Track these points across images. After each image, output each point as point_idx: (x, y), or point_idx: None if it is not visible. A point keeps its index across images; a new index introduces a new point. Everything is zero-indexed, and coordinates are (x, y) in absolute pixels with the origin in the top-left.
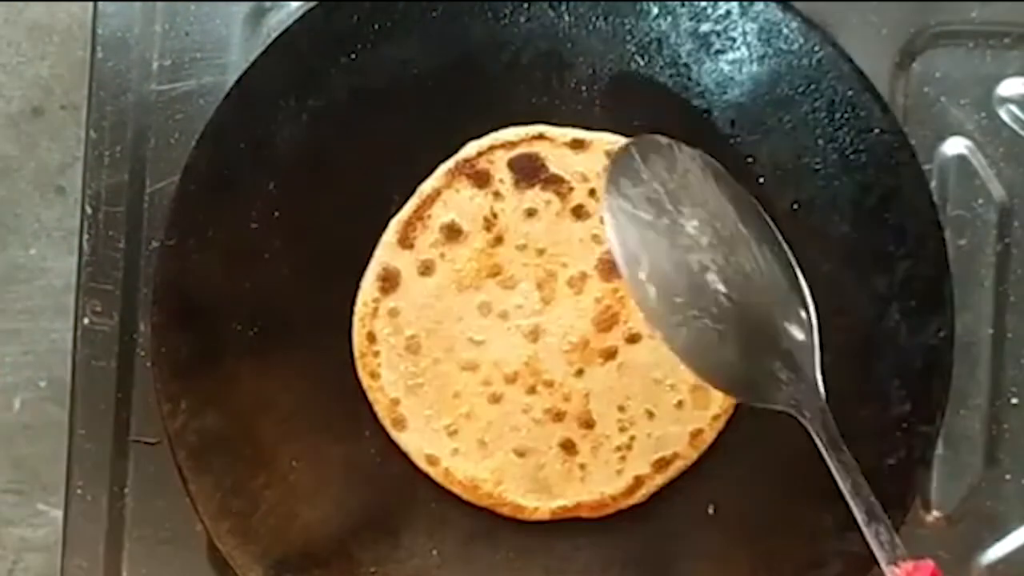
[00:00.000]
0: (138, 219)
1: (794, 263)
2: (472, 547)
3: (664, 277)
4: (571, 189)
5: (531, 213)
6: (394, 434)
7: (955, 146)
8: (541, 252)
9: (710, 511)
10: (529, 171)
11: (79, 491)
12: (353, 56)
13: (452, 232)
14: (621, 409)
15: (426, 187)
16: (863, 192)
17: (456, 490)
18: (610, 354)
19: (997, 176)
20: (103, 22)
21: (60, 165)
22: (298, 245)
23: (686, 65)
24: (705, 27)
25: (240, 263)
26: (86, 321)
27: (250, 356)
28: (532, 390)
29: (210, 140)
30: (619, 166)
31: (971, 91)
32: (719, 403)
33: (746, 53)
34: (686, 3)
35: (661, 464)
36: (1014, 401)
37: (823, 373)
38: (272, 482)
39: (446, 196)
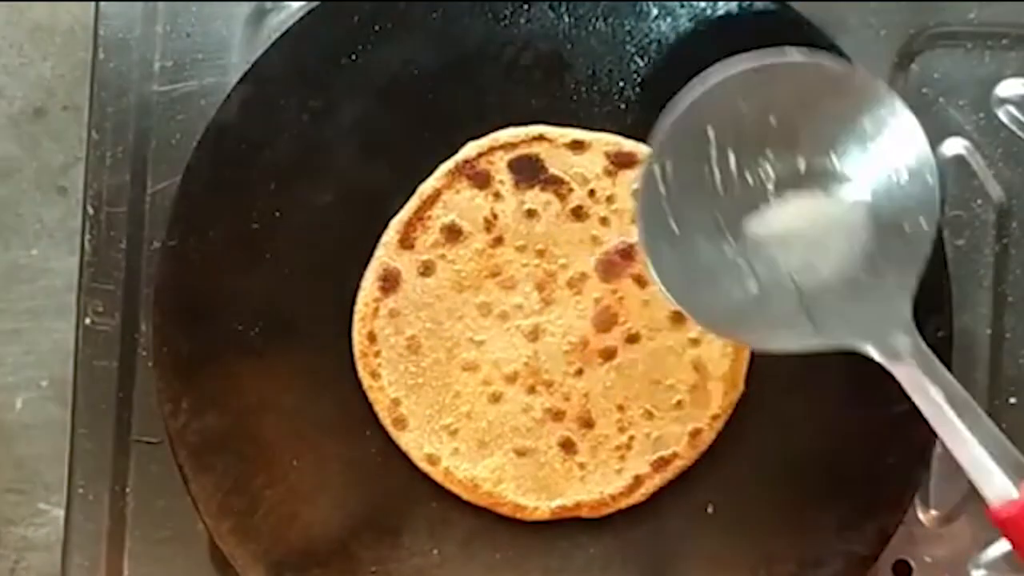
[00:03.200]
0: (140, 219)
1: None
2: (472, 546)
3: None
4: (571, 190)
5: (531, 214)
6: (394, 434)
7: (953, 147)
8: (541, 253)
9: (709, 511)
10: (529, 172)
11: (80, 490)
12: (354, 57)
13: (452, 233)
14: (620, 409)
15: (426, 187)
16: None
17: (456, 490)
18: (609, 354)
19: (995, 176)
20: (105, 23)
21: (62, 165)
22: (299, 245)
23: (686, 66)
24: (705, 28)
25: (241, 263)
26: (88, 321)
27: (251, 356)
28: (532, 390)
29: (211, 141)
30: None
31: (969, 92)
32: (718, 403)
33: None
34: (685, 5)
35: (660, 464)
36: (1012, 401)
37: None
38: (273, 481)
39: (446, 197)
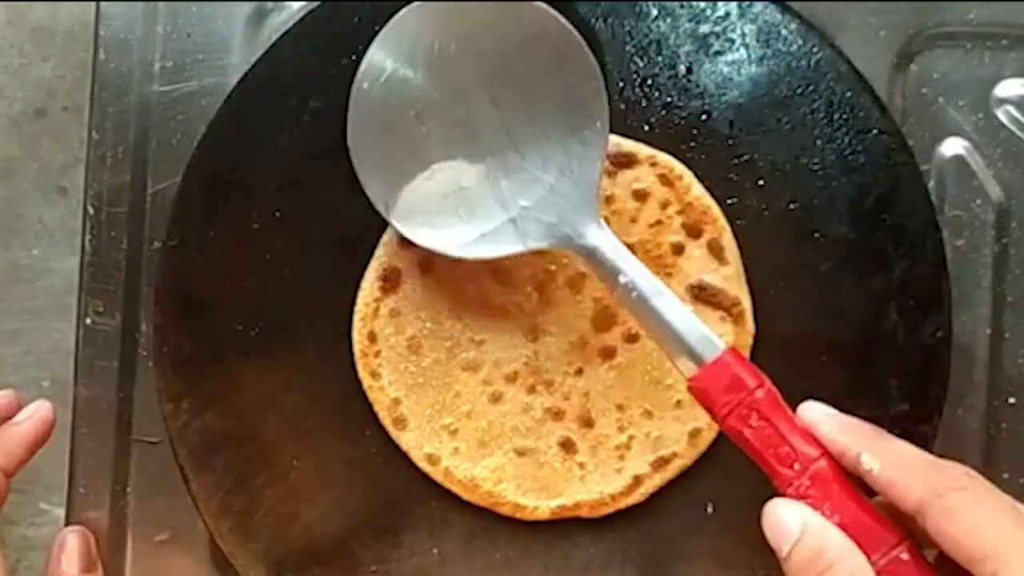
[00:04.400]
0: (140, 219)
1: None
2: (472, 546)
3: None
4: None
5: None
6: (394, 434)
7: (953, 147)
8: (541, 252)
9: (709, 510)
10: None
11: (81, 490)
12: (354, 57)
13: None
14: (620, 408)
15: None
16: (861, 192)
17: (456, 489)
18: (609, 354)
19: (995, 177)
20: (105, 23)
21: (62, 166)
22: (299, 245)
23: (685, 66)
24: (704, 28)
25: (241, 263)
26: (88, 321)
27: (251, 356)
28: (532, 389)
29: (211, 141)
30: None
31: (969, 92)
32: None
33: (745, 54)
34: (685, 5)
35: (660, 463)
36: (1012, 400)
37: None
38: (273, 481)
39: None
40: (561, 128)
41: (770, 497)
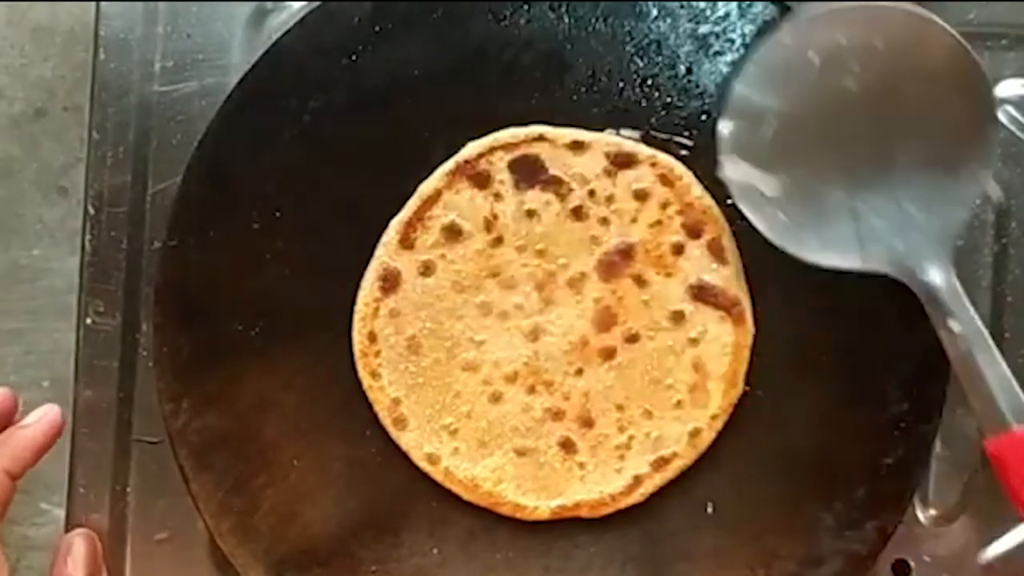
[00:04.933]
0: (140, 219)
1: None
2: (472, 546)
3: None
4: (571, 190)
5: (531, 214)
6: (394, 434)
7: None
8: (541, 253)
9: (709, 510)
10: (529, 172)
11: (82, 490)
12: (354, 57)
13: (452, 233)
14: (620, 408)
15: (427, 188)
16: None
17: (456, 489)
18: (609, 354)
19: (995, 177)
20: (105, 24)
21: (63, 166)
22: (299, 245)
23: (685, 67)
24: (704, 29)
25: (241, 263)
26: (88, 321)
27: (251, 356)
28: (532, 390)
29: (212, 141)
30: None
31: None
32: (718, 403)
33: (745, 54)
34: (685, 5)
35: (660, 463)
36: None
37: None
38: (273, 481)
39: (446, 197)
40: (940, 161)
41: (770, 497)
